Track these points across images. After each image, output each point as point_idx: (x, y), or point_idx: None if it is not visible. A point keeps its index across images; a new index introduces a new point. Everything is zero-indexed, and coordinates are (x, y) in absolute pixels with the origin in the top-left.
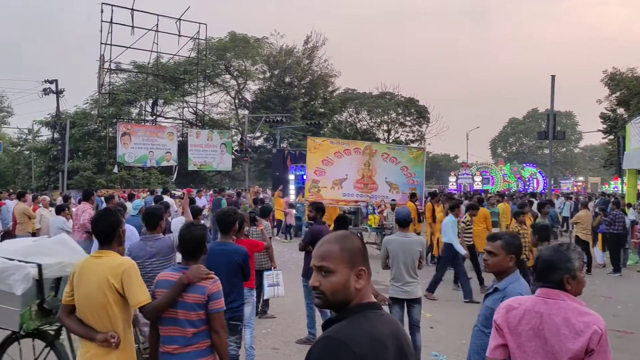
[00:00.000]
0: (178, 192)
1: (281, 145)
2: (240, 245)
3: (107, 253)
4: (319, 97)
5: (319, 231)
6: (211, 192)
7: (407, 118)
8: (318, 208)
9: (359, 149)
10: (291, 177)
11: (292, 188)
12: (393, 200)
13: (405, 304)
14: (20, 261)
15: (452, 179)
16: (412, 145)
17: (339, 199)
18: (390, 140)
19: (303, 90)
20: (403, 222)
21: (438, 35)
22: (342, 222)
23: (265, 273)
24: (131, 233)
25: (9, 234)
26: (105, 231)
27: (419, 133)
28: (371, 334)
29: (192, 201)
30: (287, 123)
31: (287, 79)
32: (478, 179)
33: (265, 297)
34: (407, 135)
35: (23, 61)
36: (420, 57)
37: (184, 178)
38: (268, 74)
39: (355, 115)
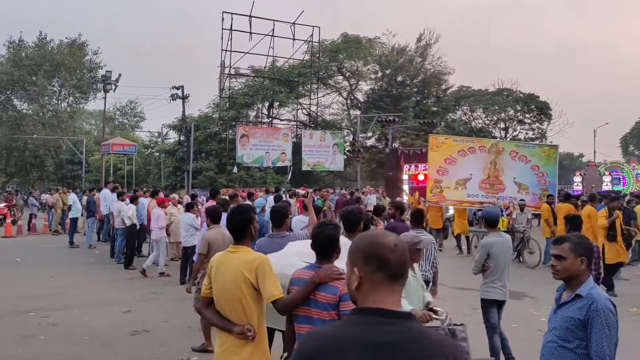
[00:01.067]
0: (302, 191)
1: (393, 145)
2: None
3: (242, 248)
4: (431, 96)
5: (394, 228)
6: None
7: (527, 115)
8: (397, 206)
9: (485, 147)
10: (404, 177)
11: (405, 188)
12: (522, 200)
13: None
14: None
15: (577, 178)
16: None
17: (463, 200)
18: (508, 139)
19: (415, 89)
20: (493, 222)
21: (561, 26)
22: (417, 216)
23: None
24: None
25: (143, 229)
26: (238, 227)
27: (540, 131)
28: (334, 339)
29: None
30: (399, 122)
31: (399, 78)
32: (607, 179)
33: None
34: (527, 133)
35: (154, 70)
36: (541, 50)
37: (298, 178)
38: (380, 74)
39: (469, 114)
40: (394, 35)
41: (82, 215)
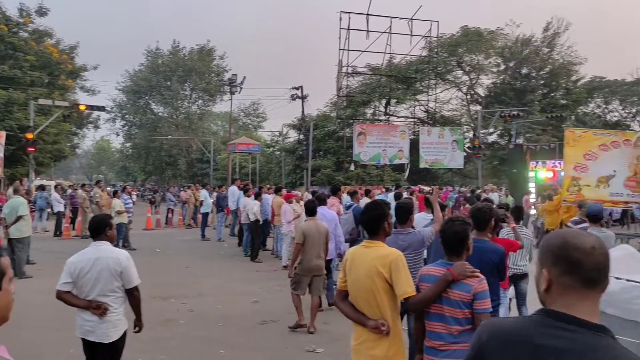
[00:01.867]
0: (426, 188)
1: (517, 141)
2: (496, 244)
3: (376, 243)
4: (560, 88)
5: None
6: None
7: None
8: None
9: (630, 141)
10: (530, 174)
11: (531, 186)
12: None
13: None
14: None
15: None
16: None
17: (605, 199)
18: None
19: (542, 82)
20: (594, 218)
21: None
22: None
23: None
24: None
25: (268, 223)
26: (372, 222)
27: None
28: (510, 332)
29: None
30: (524, 117)
31: (524, 71)
32: None
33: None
34: None
35: (275, 72)
36: None
37: (415, 175)
38: (502, 67)
39: (604, 106)
40: (518, 26)
41: (211, 211)
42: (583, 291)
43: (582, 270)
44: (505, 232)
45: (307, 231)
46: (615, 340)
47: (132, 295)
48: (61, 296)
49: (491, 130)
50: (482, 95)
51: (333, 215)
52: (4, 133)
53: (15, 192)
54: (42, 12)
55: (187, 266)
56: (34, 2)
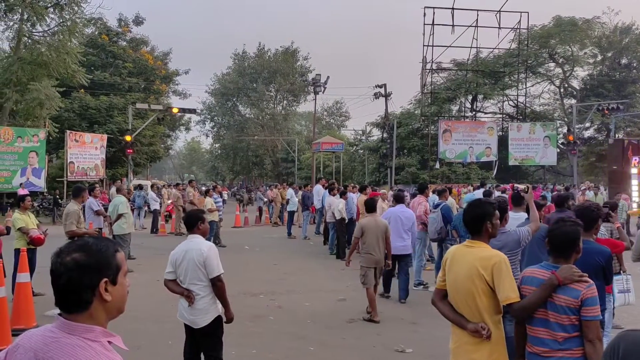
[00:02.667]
0: (521, 186)
1: (616, 135)
2: (602, 246)
3: (478, 244)
4: None
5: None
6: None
7: None
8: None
9: None
10: (633, 170)
11: (634, 184)
12: None
13: None
14: None
15: None
16: None
17: None
18: None
19: None
20: None
21: None
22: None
23: (615, 277)
24: None
25: (353, 222)
26: (472, 222)
27: None
28: None
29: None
30: (624, 110)
31: (624, 61)
32: None
33: (615, 305)
34: None
35: (358, 70)
36: None
37: (504, 173)
38: (599, 58)
39: None
40: (616, 13)
41: (297, 209)
42: None
43: None
44: (601, 232)
45: (365, 226)
46: None
47: (215, 285)
48: (165, 284)
49: (587, 124)
50: (577, 88)
51: (410, 214)
52: (105, 136)
53: (118, 191)
54: (138, 21)
55: (275, 263)
56: (131, 12)
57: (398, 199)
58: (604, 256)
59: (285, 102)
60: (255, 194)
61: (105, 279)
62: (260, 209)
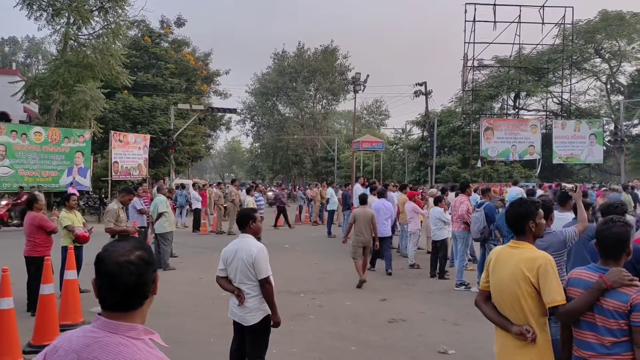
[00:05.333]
0: (569, 185)
1: None
2: (635, 243)
3: (523, 244)
4: None
5: None
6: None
7: None
8: None
9: None
10: None
11: None
12: None
13: None
14: None
15: None
16: None
17: None
18: None
19: None
20: None
21: None
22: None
23: None
24: None
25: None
26: (514, 221)
27: None
28: None
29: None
30: None
31: None
32: None
33: None
34: None
35: (398, 68)
36: None
37: (548, 172)
38: None
39: None
40: None
41: (337, 208)
42: None
43: None
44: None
45: (356, 215)
46: None
47: (263, 287)
48: (217, 281)
49: (635, 122)
50: (625, 84)
51: (389, 205)
52: (148, 136)
53: (159, 190)
54: (180, 22)
55: (315, 262)
56: (172, 13)
57: (381, 194)
58: (635, 254)
59: (324, 101)
60: (292, 193)
61: (156, 274)
62: (300, 208)
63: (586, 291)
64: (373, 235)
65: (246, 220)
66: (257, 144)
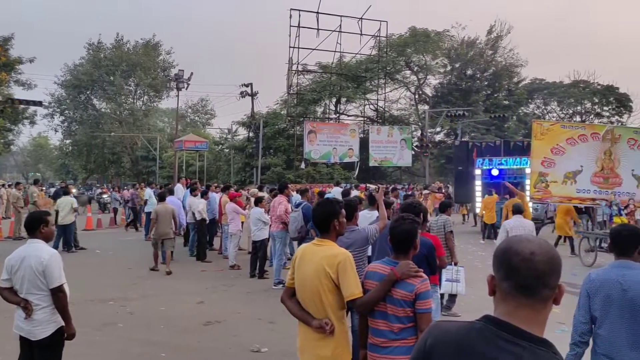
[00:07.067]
0: (373, 186)
1: (462, 139)
2: (425, 237)
3: (326, 242)
4: (503, 89)
5: None
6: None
7: (605, 108)
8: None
9: (598, 134)
10: (477, 171)
11: (477, 184)
12: None
13: None
14: None
15: None
16: None
17: (572, 196)
18: None
19: (486, 83)
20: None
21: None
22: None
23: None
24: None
25: (214, 223)
26: (320, 220)
27: (620, 124)
28: (456, 340)
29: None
30: (469, 117)
31: (469, 72)
32: None
33: (440, 291)
34: None
35: (224, 68)
36: (622, 40)
37: (365, 174)
38: (449, 68)
39: (543, 107)
40: (463, 28)
41: None
42: (521, 298)
43: (519, 276)
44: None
45: (158, 211)
46: (556, 355)
47: (56, 296)
48: (1, 293)
49: (438, 129)
50: (430, 95)
51: (178, 202)
52: None
53: None
54: None
55: (130, 267)
56: None
57: (169, 192)
58: (426, 247)
59: (146, 97)
60: (110, 194)
61: None
62: (115, 210)
63: (380, 283)
64: (174, 228)
65: (36, 225)
66: (68, 141)
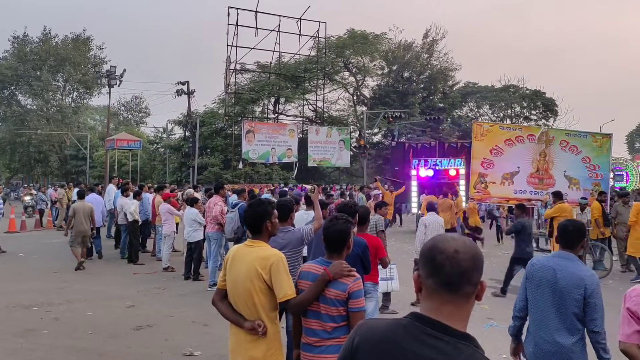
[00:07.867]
0: (309, 186)
1: (399, 140)
2: (359, 237)
3: (258, 243)
4: (438, 92)
5: None
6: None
7: (533, 112)
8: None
9: (534, 136)
10: (413, 172)
11: (413, 184)
12: (583, 199)
13: None
14: None
15: None
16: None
17: (509, 196)
18: None
19: (422, 85)
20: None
21: (569, 24)
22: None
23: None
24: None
25: (147, 224)
26: (253, 221)
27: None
28: (383, 337)
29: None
30: (406, 119)
31: (406, 74)
32: (609, 175)
33: (380, 291)
34: None
35: (159, 65)
36: (549, 47)
37: (304, 174)
38: (386, 70)
39: (476, 110)
40: (400, 31)
41: None
42: (446, 295)
43: (443, 273)
44: None
45: (76, 208)
46: (477, 349)
47: None
48: None
49: (376, 130)
50: (368, 96)
51: (100, 199)
52: None
53: None
54: None
55: (56, 271)
56: None
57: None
58: (360, 246)
59: (75, 93)
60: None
61: None
62: (41, 212)
63: (313, 283)
64: (92, 225)
65: None
66: None
